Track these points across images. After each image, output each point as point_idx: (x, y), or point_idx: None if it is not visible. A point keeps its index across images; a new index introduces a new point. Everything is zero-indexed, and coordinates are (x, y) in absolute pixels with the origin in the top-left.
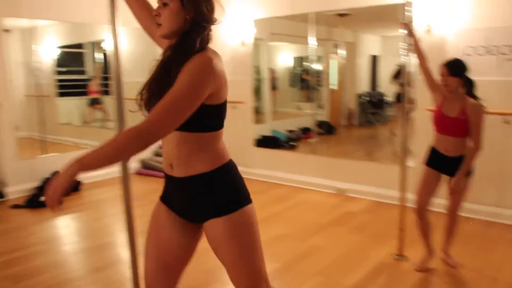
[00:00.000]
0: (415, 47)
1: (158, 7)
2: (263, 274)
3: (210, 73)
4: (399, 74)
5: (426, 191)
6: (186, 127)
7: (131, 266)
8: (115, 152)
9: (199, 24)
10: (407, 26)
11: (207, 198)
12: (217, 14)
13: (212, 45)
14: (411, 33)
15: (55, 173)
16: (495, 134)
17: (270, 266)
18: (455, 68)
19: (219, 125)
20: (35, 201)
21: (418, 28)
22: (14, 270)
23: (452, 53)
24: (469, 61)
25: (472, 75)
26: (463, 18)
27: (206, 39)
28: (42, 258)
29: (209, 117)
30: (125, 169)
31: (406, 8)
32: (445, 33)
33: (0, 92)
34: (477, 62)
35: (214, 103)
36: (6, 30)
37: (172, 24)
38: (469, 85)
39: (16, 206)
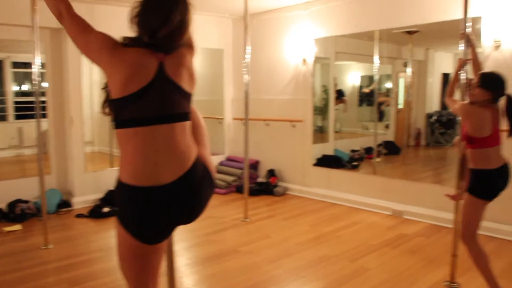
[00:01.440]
0: (473, 60)
1: None
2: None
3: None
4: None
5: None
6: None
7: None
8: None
9: None
10: (467, 36)
11: None
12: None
13: (272, 64)
14: (471, 45)
15: None
16: None
17: (314, 285)
18: (484, 79)
19: (121, 123)
20: (98, 212)
21: (486, 43)
22: (71, 274)
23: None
24: None
25: None
26: None
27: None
28: (98, 265)
29: (113, 111)
30: None
31: (467, 23)
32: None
33: (72, 109)
34: None
35: (111, 96)
36: None
37: None
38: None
39: (80, 216)
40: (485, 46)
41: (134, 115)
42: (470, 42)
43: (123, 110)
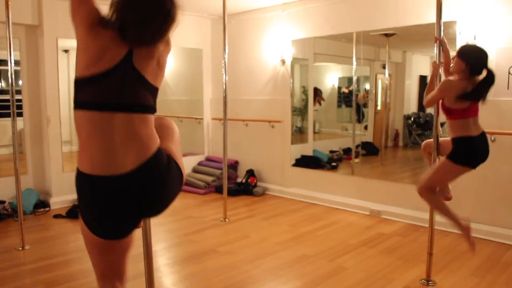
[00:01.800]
0: (446, 64)
1: None
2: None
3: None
4: None
5: None
6: None
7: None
8: None
9: None
10: (440, 41)
11: None
12: None
13: (251, 65)
14: (444, 49)
15: None
16: None
17: (292, 285)
18: (463, 50)
19: (77, 104)
20: (76, 212)
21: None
22: (48, 275)
23: (497, 72)
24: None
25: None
26: (508, 37)
27: None
28: (76, 266)
29: (74, 90)
30: None
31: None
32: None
33: (49, 108)
34: None
35: (75, 75)
36: (65, 51)
37: None
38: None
39: (57, 216)
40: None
41: (91, 98)
42: (444, 46)
43: (82, 91)
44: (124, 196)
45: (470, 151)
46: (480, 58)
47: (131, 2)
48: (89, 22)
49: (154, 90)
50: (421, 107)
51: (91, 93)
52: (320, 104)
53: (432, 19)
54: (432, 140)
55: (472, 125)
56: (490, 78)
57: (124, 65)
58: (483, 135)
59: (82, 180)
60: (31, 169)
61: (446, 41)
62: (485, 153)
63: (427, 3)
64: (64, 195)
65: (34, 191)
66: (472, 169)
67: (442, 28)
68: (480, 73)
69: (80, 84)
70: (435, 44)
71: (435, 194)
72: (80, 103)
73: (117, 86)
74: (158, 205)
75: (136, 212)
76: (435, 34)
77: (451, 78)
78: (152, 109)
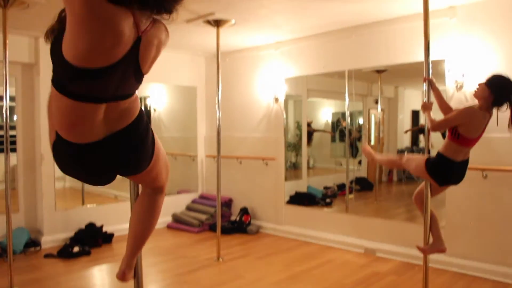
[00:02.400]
0: (439, 103)
1: None
2: None
3: None
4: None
5: None
6: None
7: None
8: None
9: None
10: (429, 81)
11: None
12: None
13: (245, 102)
14: (434, 88)
15: (89, 225)
16: None
17: None
18: (491, 80)
19: (61, 88)
20: (68, 252)
21: (449, 84)
22: None
23: None
24: (503, 117)
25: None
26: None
27: None
28: None
29: (56, 66)
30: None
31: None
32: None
33: (43, 145)
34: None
35: (63, 54)
36: None
37: None
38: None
39: (48, 256)
40: (449, 87)
41: (85, 92)
42: (433, 86)
43: (75, 82)
44: (104, 152)
45: (444, 171)
46: (507, 91)
47: None
48: None
49: (142, 78)
50: (414, 141)
51: (86, 87)
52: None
53: (421, 57)
54: (421, 188)
55: (464, 152)
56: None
57: (129, 58)
58: (465, 162)
59: (59, 142)
60: (23, 206)
61: (434, 80)
62: (458, 178)
63: (416, 42)
64: (56, 233)
65: (25, 229)
66: (436, 184)
67: (430, 67)
68: (501, 105)
69: (71, 72)
70: (424, 83)
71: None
72: (68, 93)
73: (117, 82)
74: (134, 160)
75: (113, 165)
76: (423, 74)
77: (473, 105)
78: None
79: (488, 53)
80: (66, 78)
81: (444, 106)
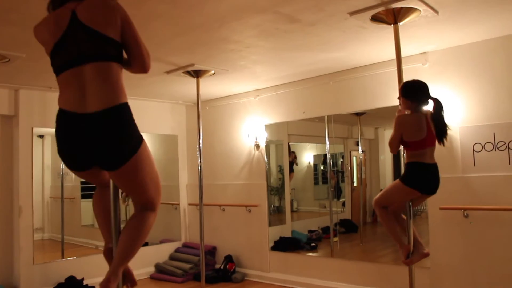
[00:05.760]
0: None
1: None
2: None
3: None
4: None
5: None
6: None
7: None
8: None
9: None
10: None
11: None
12: None
13: (226, 150)
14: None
15: (69, 278)
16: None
17: None
18: (404, 89)
19: (55, 72)
20: None
21: None
22: None
23: (462, 150)
24: (479, 157)
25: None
26: (470, 117)
27: None
28: None
29: None
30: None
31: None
32: (454, 130)
33: (22, 197)
34: (487, 158)
35: None
36: (40, 136)
37: None
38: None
39: None
40: None
41: (55, 65)
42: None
43: (54, 61)
44: (87, 134)
45: (421, 175)
46: (420, 90)
47: None
48: (39, 31)
49: (110, 41)
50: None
51: (54, 63)
52: (296, 164)
53: (397, 101)
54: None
55: (428, 155)
56: (439, 104)
57: (73, 26)
58: (435, 165)
59: (60, 114)
60: None
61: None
62: (436, 182)
63: (393, 88)
64: None
65: (1, 286)
66: (418, 193)
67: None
68: (426, 103)
69: (51, 56)
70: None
71: (385, 210)
72: (55, 69)
73: (73, 48)
74: (111, 149)
75: (91, 151)
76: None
77: (402, 114)
78: (115, 58)
79: (459, 97)
80: (52, 66)
81: None
